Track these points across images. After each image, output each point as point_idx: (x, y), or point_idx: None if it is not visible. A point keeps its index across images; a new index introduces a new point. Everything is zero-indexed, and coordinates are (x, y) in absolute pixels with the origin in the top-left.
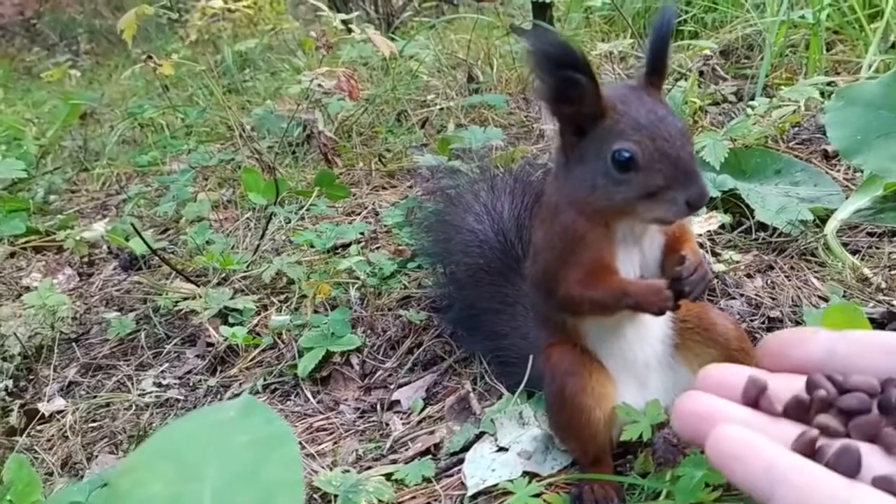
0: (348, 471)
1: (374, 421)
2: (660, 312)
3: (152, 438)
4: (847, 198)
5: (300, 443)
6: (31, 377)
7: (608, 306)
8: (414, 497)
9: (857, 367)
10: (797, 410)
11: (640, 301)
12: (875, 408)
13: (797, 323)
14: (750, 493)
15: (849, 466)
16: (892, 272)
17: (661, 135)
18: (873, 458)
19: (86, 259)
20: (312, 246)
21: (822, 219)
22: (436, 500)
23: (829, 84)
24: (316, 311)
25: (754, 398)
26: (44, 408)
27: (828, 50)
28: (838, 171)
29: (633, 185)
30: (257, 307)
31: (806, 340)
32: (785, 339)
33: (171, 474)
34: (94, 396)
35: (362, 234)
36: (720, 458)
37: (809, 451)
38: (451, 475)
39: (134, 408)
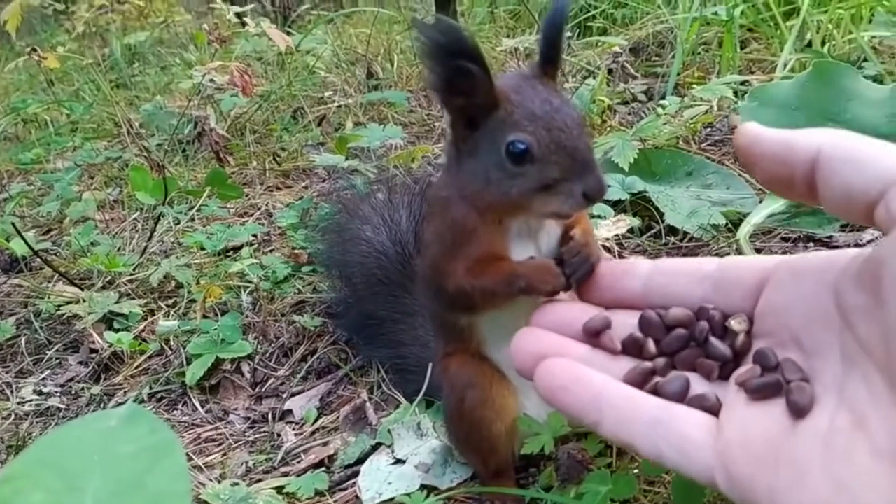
0: (237, 483)
1: (265, 431)
2: (553, 292)
3: (33, 447)
4: (761, 201)
5: (187, 454)
6: None
7: (499, 293)
8: None
9: (673, 295)
10: (634, 348)
11: (531, 281)
12: (692, 340)
13: None
14: (579, 420)
15: (676, 392)
16: None
17: (557, 125)
18: (697, 385)
19: None
20: (203, 248)
21: (734, 223)
22: None
23: (742, 83)
24: (205, 317)
25: (595, 334)
26: None
27: (742, 48)
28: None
29: (529, 177)
30: (144, 312)
31: (626, 274)
32: (605, 274)
33: (53, 484)
34: None
35: (255, 236)
36: (549, 390)
37: (639, 382)
38: (346, 488)
39: (13, 416)
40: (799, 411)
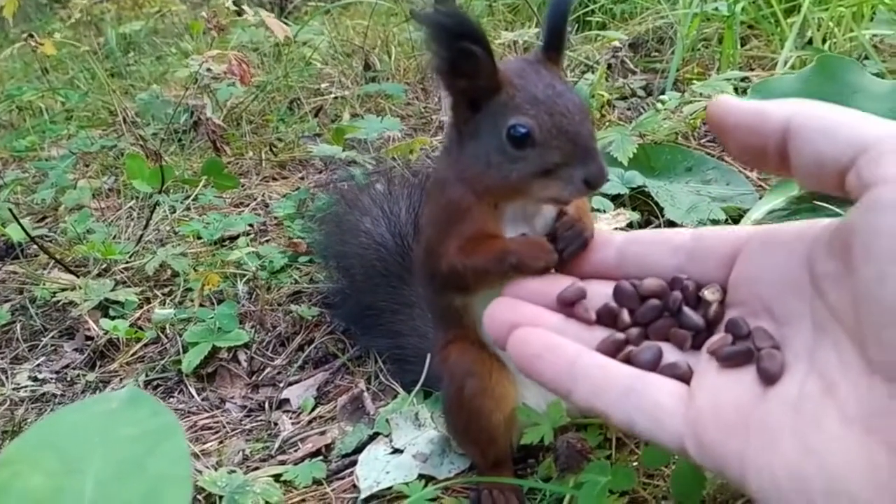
0: (234, 471)
1: (261, 420)
2: (545, 268)
3: (32, 429)
4: (761, 198)
5: None
6: None
7: (491, 271)
8: (304, 499)
9: (648, 266)
10: (608, 318)
11: (523, 257)
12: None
13: None
14: (552, 389)
15: (649, 361)
16: None
17: (559, 110)
18: (670, 355)
19: None
20: (199, 237)
21: (734, 219)
22: (327, 502)
23: (743, 80)
24: (202, 305)
25: (570, 304)
26: None
27: (742, 45)
28: (751, 169)
29: (529, 161)
30: (140, 300)
31: (601, 245)
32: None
33: (52, 467)
34: None
35: (251, 225)
36: (522, 358)
37: (613, 351)
38: (343, 477)
39: (8, 402)
40: (769, 378)
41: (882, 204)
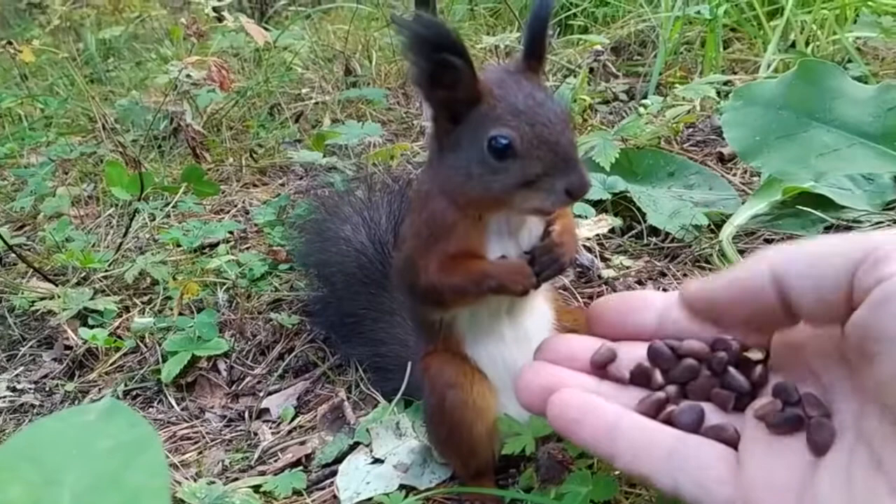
0: (214, 482)
1: (241, 430)
2: (524, 292)
3: (11, 440)
4: (744, 202)
5: None
6: None
7: (470, 292)
8: None
9: (688, 330)
10: (642, 378)
11: (503, 281)
12: (706, 370)
13: None
14: (594, 452)
15: (691, 422)
16: None
17: (541, 120)
18: (712, 416)
19: None
20: (179, 245)
21: (717, 224)
22: None
23: (725, 83)
24: (181, 314)
25: (602, 366)
26: None
27: (725, 48)
28: (734, 174)
29: (511, 173)
30: (119, 308)
31: (641, 308)
32: (617, 306)
33: (31, 478)
34: None
35: (231, 233)
36: (562, 423)
37: (653, 412)
38: (323, 488)
39: None
40: (820, 449)
41: (886, 297)
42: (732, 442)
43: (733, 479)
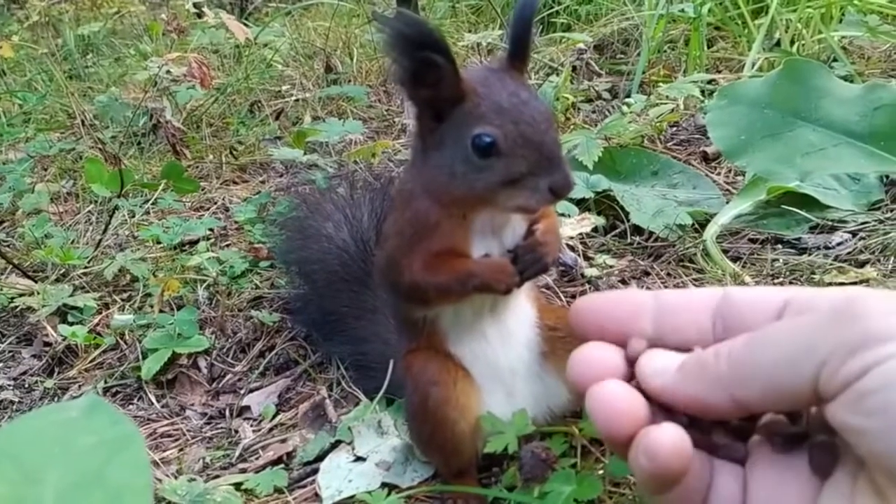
0: (194, 479)
1: (222, 427)
2: (507, 291)
3: None
4: (728, 202)
5: None
6: None
7: (454, 290)
8: None
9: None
10: None
11: (486, 280)
12: None
13: None
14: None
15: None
16: (775, 281)
17: (524, 119)
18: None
19: None
20: (159, 242)
21: (701, 223)
22: None
23: (709, 82)
24: (162, 311)
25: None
26: None
27: (709, 46)
28: (718, 173)
29: (495, 171)
30: (98, 305)
31: (634, 313)
32: (602, 305)
33: (12, 476)
34: None
35: (212, 230)
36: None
37: None
38: (305, 486)
39: None
40: (824, 472)
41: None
42: (741, 460)
43: (743, 500)
